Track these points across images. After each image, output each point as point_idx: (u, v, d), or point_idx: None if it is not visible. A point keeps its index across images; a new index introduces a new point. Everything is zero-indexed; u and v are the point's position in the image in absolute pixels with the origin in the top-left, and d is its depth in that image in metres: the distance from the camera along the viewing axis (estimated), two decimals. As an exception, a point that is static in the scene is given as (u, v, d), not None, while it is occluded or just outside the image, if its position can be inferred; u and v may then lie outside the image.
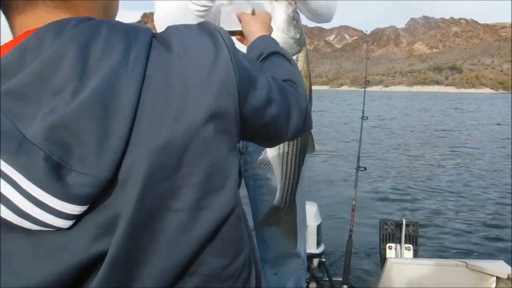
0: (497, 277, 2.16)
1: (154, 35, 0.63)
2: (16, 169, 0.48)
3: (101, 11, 0.67)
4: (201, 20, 1.54)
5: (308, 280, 2.78)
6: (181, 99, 0.57)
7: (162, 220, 0.55)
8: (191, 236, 0.57)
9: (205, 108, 0.58)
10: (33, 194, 0.48)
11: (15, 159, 0.48)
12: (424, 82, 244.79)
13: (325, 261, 2.99)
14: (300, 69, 1.30)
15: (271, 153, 1.46)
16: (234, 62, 0.64)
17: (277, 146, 1.42)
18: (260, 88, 0.70)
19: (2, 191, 0.47)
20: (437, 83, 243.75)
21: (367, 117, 3.55)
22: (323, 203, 5.73)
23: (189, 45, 0.62)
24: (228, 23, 1.32)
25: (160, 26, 1.67)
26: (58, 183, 0.48)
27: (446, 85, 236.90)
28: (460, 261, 2.31)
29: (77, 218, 0.51)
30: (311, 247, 2.80)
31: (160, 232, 0.55)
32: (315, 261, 2.90)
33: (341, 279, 2.73)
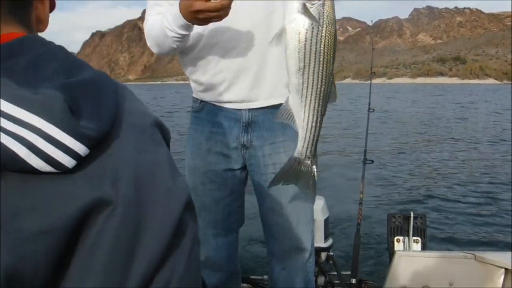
0: (505, 269, 2.16)
1: None
2: (30, 111, 0.53)
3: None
4: (179, 44, 1.61)
5: (316, 274, 2.78)
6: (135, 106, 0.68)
7: (156, 176, 0.62)
8: (177, 193, 0.64)
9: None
10: (47, 131, 0.53)
11: (30, 101, 0.53)
12: (428, 74, 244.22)
13: (333, 255, 3.00)
14: (326, 15, 1.29)
15: (293, 101, 1.43)
16: None
17: (299, 94, 1.41)
18: None
19: (13, 130, 0.52)
20: (441, 74, 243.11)
21: (373, 109, 3.54)
22: (330, 196, 5.73)
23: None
24: None
25: (147, 35, 1.72)
26: (72, 122, 0.54)
27: (450, 76, 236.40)
28: (468, 253, 2.31)
29: (78, 164, 0.56)
30: (319, 241, 2.80)
31: (158, 185, 0.62)
32: (323, 255, 2.91)
33: (349, 272, 2.74)
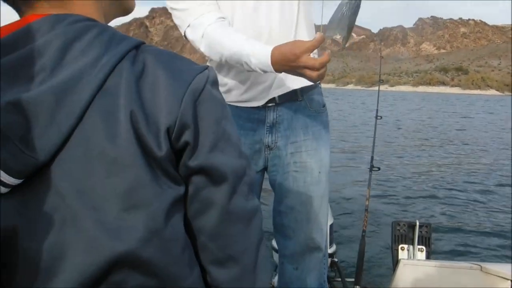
0: (512, 281, 2.15)
1: (139, 47, 0.66)
2: None
3: (100, 11, 0.71)
4: None
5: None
6: (121, 122, 0.60)
7: (86, 218, 0.58)
8: (107, 244, 0.59)
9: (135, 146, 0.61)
10: None
11: None
12: (429, 83, 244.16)
13: (337, 261, 2.99)
14: None
15: None
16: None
17: None
18: None
19: None
20: (443, 83, 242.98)
21: (381, 117, 3.54)
22: (336, 203, 5.72)
23: (161, 83, 0.64)
24: None
25: (211, 46, 1.62)
26: (1, 153, 0.54)
27: (452, 86, 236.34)
28: (474, 264, 2.30)
29: (15, 188, 0.57)
30: (324, 247, 2.80)
31: (82, 230, 0.58)
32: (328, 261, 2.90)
33: (353, 279, 2.73)
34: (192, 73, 0.66)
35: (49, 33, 0.60)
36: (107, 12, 0.73)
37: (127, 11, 0.78)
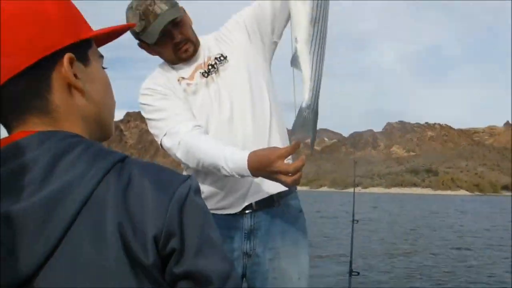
0: None
1: (124, 160, 0.69)
2: None
3: (86, 132, 0.74)
4: None
5: None
6: (108, 237, 0.62)
7: None
8: None
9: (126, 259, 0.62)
10: None
11: None
12: (401, 184, 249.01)
13: None
14: None
15: (301, 50, 1.42)
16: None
17: (308, 44, 1.41)
18: None
19: None
20: (414, 185, 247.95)
21: (357, 221, 3.56)
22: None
23: (147, 193, 0.66)
24: None
25: (187, 152, 1.63)
26: None
27: (423, 187, 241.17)
28: None
29: None
30: None
31: None
32: None
33: None
34: (175, 183, 0.70)
35: (38, 149, 0.63)
36: (93, 134, 0.77)
37: (107, 137, 0.83)
